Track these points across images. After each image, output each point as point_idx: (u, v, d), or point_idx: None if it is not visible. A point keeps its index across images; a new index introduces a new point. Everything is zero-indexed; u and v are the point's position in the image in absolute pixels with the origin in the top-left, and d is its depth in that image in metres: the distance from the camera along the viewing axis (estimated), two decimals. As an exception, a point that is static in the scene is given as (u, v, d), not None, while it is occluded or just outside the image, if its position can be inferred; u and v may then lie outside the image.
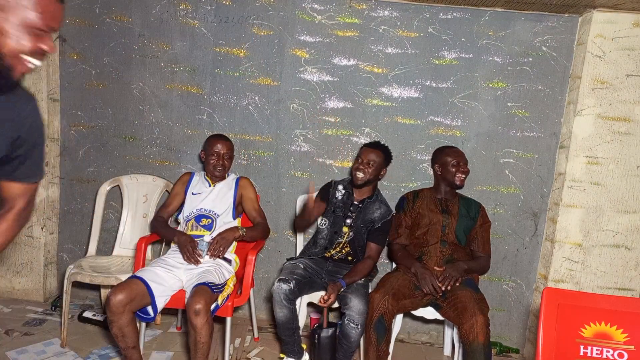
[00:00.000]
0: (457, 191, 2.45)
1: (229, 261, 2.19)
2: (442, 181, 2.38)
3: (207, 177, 2.33)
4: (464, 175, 2.33)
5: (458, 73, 2.62)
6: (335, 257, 2.34)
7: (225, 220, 2.27)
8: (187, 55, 2.70)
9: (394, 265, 2.49)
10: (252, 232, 2.25)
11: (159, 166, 2.76)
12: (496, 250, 2.69)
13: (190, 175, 2.37)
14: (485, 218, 2.40)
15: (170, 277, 2.03)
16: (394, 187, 2.72)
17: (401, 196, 2.50)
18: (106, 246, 2.80)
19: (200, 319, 1.83)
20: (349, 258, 2.33)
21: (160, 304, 1.95)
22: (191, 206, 2.30)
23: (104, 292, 2.65)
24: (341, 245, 2.32)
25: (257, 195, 2.41)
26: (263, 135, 2.73)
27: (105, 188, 2.66)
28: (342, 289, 2.10)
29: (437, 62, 2.62)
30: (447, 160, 2.35)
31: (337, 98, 2.69)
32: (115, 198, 2.79)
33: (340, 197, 2.32)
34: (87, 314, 2.59)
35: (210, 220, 2.25)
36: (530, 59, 2.59)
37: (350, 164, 2.71)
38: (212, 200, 2.28)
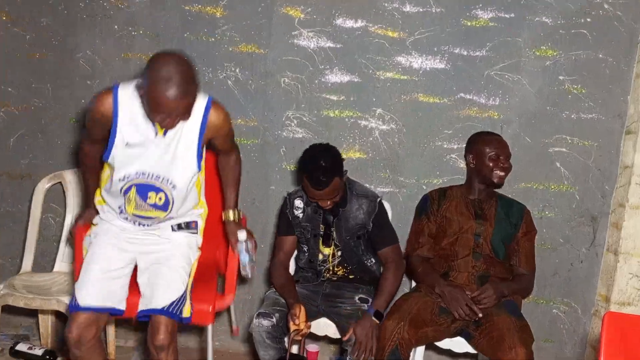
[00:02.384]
0: (496, 190, 2.44)
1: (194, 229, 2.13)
2: (475, 177, 2.39)
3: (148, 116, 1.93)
4: (504, 173, 2.33)
5: (496, 38, 2.62)
6: (334, 279, 2.36)
7: (188, 195, 2.05)
8: (148, 15, 2.68)
9: (413, 284, 2.49)
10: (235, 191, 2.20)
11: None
12: (544, 264, 2.67)
13: (113, 93, 1.89)
14: (530, 224, 2.41)
15: (121, 260, 2.04)
16: (413, 184, 2.71)
17: (423, 196, 2.50)
18: (45, 260, 2.78)
19: (165, 354, 1.92)
20: (350, 277, 2.35)
21: (123, 304, 2.02)
22: (126, 163, 1.96)
23: (42, 319, 2.64)
24: (331, 270, 2.34)
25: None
26: (246, 118, 2.72)
27: (43, 186, 2.63)
28: (375, 325, 2.10)
29: (469, 23, 2.62)
30: (484, 150, 2.35)
31: (341, 70, 2.68)
32: (57, 198, 2.76)
33: (302, 215, 2.30)
34: (21, 347, 2.58)
35: (163, 197, 1.99)
36: (589, 20, 2.58)
37: (359, 154, 2.71)
38: (160, 156, 1.95)
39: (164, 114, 1.77)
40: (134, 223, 2.08)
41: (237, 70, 2.69)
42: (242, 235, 2.13)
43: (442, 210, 2.38)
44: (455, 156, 2.69)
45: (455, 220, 2.34)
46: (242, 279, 2.47)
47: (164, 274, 2.01)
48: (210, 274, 2.36)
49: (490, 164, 2.31)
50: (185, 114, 1.81)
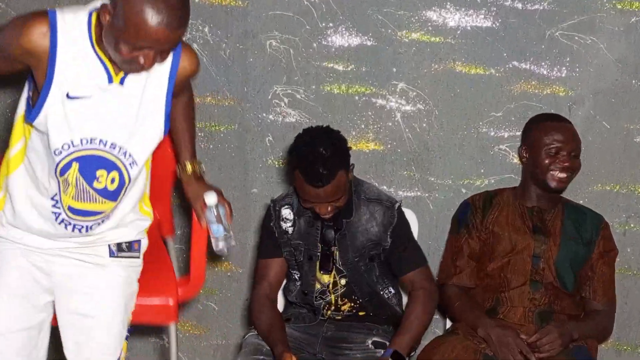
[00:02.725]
0: (562, 195, 2.38)
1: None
2: (530, 178, 2.34)
3: (101, 56, 1.78)
4: (564, 174, 2.26)
5: (561, -15, 2.51)
6: (338, 317, 2.29)
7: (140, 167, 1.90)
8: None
9: (448, 323, 2.41)
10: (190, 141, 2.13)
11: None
12: (628, 297, 2.62)
13: (49, 22, 1.80)
14: (610, 242, 2.32)
15: (33, 312, 1.89)
16: (448, 185, 2.63)
17: (463, 202, 2.42)
18: None
19: None
20: (360, 313, 2.28)
21: None
22: (66, 126, 1.79)
23: None
24: (333, 306, 2.28)
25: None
26: (218, 95, 2.66)
27: None
28: None
29: (524, -36, 2.52)
30: (540, 141, 2.29)
31: (349, 30, 2.60)
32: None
33: (292, 229, 2.25)
34: None
35: (117, 177, 1.82)
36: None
37: (373, 145, 2.66)
38: (117, 114, 1.80)
39: (144, 45, 1.62)
40: (66, 227, 1.86)
41: (206, 30, 2.63)
42: (210, 198, 2.01)
43: (488, 223, 2.32)
44: (505, 148, 2.61)
45: (505, 237, 2.28)
46: (214, 257, 2.47)
47: (95, 336, 1.91)
48: (159, 250, 2.30)
49: (546, 161, 2.25)
50: (169, 52, 1.69)
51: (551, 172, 2.24)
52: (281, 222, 2.27)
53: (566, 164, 2.24)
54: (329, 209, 2.13)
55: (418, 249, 2.28)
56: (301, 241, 2.25)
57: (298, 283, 2.30)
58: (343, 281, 2.24)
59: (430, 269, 2.30)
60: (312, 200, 2.11)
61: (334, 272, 2.26)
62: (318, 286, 2.26)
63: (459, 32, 2.55)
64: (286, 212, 2.28)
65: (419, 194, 2.64)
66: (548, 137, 2.26)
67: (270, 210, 2.29)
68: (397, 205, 2.24)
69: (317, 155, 2.05)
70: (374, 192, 2.29)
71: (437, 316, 2.53)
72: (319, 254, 2.25)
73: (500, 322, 2.16)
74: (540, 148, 2.27)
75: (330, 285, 2.26)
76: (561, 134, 2.28)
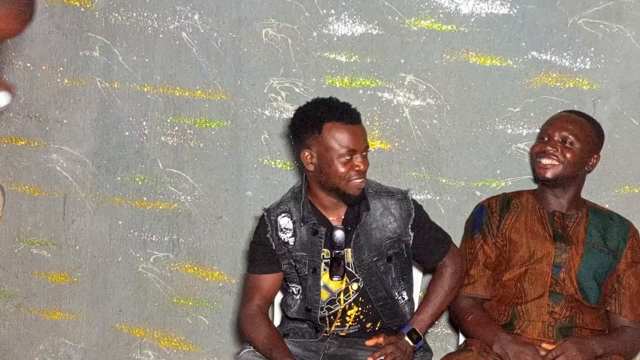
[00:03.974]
0: (585, 198, 2.33)
1: None
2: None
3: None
4: (549, 160, 2.22)
5: (587, -33, 2.48)
6: (342, 334, 2.25)
7: None
8: None
9: (461, 339, 2.36)
10: None
11: (5, 150, 2.75)
12: None
13: None
14: (638, 251, 2.27)
15: None
16: (461, 187, 2.58)
17: (477, 205, 2.38)
18: None
19: None
20: (367, 326, 2.22)
21: None
22: None
23: None
24: (340, 314, 2.24)
25: None
26: (209, 88, 2.63)
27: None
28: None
29: (545, -55, 2.50)
30: (540, 134, 2.32)
31: (353, 17, 2.56)
32: None
33: (294, 240, 2.22)
34: None
35: None
36: None
37: (379, 144, 2.62)
38: None
39: None
40: None
41: (196, 17, 2.60)
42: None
43: (504, 228, 2.27)
44: (524, 147, 2.54)
45: (523, 244, 2.23)
46: (204, 266, 2.58)
47: None
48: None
49: (536, 149, 2.27)
50: None
51: (538, 158, 2.22)
52: (280, 233, 2.21)
53: (558, 149, 2.21)
54: (365, 162, 2.12)
55: (439, 230, 2.28)
56: (304, 253, 2.20)
57: (297, 297, 2.25)
58: (355, 286, 2.19)
59: (455, 246, 2.32)
60: (352, 144, 2.08)
61: (345, 277, 2.21)
62: (325, 296, 2.20)
63: (472, 19, 2.49)
64: (284, 221, 2.24)
65: (429, 196, 2.60)
66: (545, 126, 2.25)
67: (265, 220, 2.23)
68: (409, 195, 2.23)
69: (344, 102, 2.14)
70: (380, 186, 2.27)
71: (449, 331, 2.56)
72: (325, 262, 2.20)
73: (517, 338, 2.11)
74: (538, 139, 2.29)
75: (342, 293, 2.21)
76: (560, 119, 2.26)
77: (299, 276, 2.23)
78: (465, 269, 2.30)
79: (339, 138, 2.10)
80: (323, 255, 2.21)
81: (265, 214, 2.24)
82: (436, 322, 2.50)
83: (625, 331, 2.20)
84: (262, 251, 2.24)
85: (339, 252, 2.21)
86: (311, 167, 2.10)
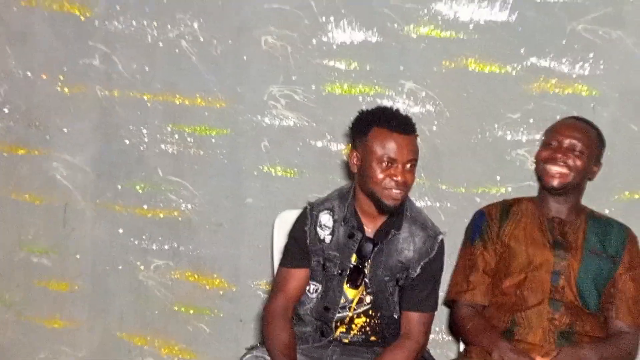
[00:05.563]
0: (585, 204, 2.32)
1: None
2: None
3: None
4: (559, 168, 2.21)
5: (585, -26, 2.47)
6: (345, 340, 2.25)
7: None
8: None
9: (461, 347, 2.39)
10: None
11: (5, 159, 2.77)
12: None
13: None
14: (637, 257, 2.27)
15: None
16: (461, 194, 2.59)
17: (477, 212, 2.38)
18: None
19: None
20: (371, 338, 2.25)
21: None
22: None
23: None
24: (347, 321, 2.26)
25: None
26: (209, 96, 2.64)
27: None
28: None
29: (544, -47, 2.50)
30: (544, 140, 2.31)
31: (352, 24, 2.57)
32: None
33: (330, 239, 2.22)
34: None
35: None
36: None
37: None
38: None
39: None
40: None
41: (196, 26, 2.61)
42: None
43: (504, 235, 2.28)
44: (523, 153, 2.55)
45: (522, 251, 2.24)
46: (204, 274, 2.59)
47: None
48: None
49: (544, 155, 2.25)
50: None
51: (547, 165, 2.21)
52: (318, 229, 2.21)
53: (568, 161, 2.19)
54: (407, 175, 2.08)
55: (436, 293, 2.24)
56: (337, 253, 2.20)
57: (313, 295, 2.23)
58: (369, 299, 2.21)
59: (433, 318, 2.25)
60: (393, 153, 2.06)
61: (362, 287, 2.22)
62: (342, 300, 2.21)
63: (472, 26, 2.50)
64: (325, 219, 2.23)
65: (428, 203, 2.60)
66: (550, 134, 2.25)
67: (307, 214, 2.22)
68: (440, 237, 2.20)
69: (396, 109, 2.16)
70: (421, 215, 2.26)
71: (450, 338, 2.56)
72: (351, 266, 2.20)
73: (515, 346, 2.12)
74: (543, 146, 2.26)
75: (355, 302, 2.22)
76: (566, 127, 2.25)
77: (325, 275, 2.22)
78: (425, 347, 2.26)
79: (381, 143, 2.10)
80: (351, 260, 2.22)
81: (309, 207, 2.25)
82: (436, 329, 2.52)
83: (622, 336, 2.21)
84: (296, 244, 2.24)
85: (361, 263, 2.22)
86: (355, 169, 2.14)
